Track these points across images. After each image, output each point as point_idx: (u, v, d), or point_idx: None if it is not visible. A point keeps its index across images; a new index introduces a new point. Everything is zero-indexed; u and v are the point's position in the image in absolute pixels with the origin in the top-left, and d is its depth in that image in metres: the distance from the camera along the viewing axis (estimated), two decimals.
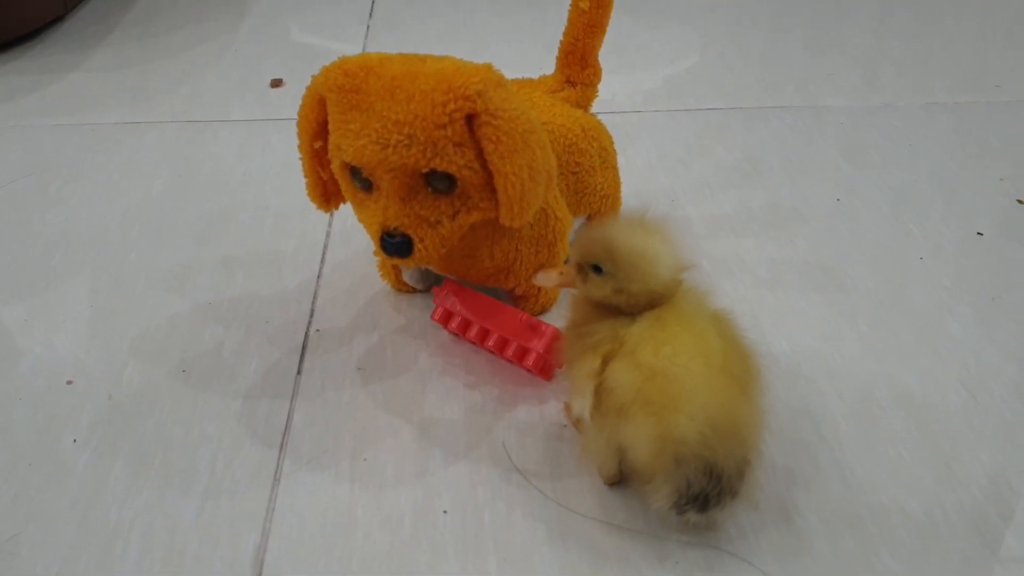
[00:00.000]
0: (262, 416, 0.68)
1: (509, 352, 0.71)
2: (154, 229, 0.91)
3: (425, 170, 0.62)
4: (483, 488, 0.62)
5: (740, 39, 1.35)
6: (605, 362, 0.56)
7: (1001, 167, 1.00)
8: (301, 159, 0.69)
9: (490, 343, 0.71)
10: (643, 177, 0.99)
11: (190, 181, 0.99)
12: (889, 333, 0.76)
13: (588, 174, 0.78)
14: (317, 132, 0.67)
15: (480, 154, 0.62)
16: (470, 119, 0.61)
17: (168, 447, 0.65)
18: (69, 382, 0.71)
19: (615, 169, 0.82)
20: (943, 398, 0.69)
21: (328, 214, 0.92)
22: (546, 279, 0.61)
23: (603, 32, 0.80)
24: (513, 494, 0.61)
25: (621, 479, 0.61)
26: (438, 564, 0.57)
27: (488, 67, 0.63)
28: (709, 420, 0.52)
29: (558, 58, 0.82)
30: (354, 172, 0.65)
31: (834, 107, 1.14)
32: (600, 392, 0.55)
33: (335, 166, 0.66)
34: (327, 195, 0.71)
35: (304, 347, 0.74)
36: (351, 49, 1.32)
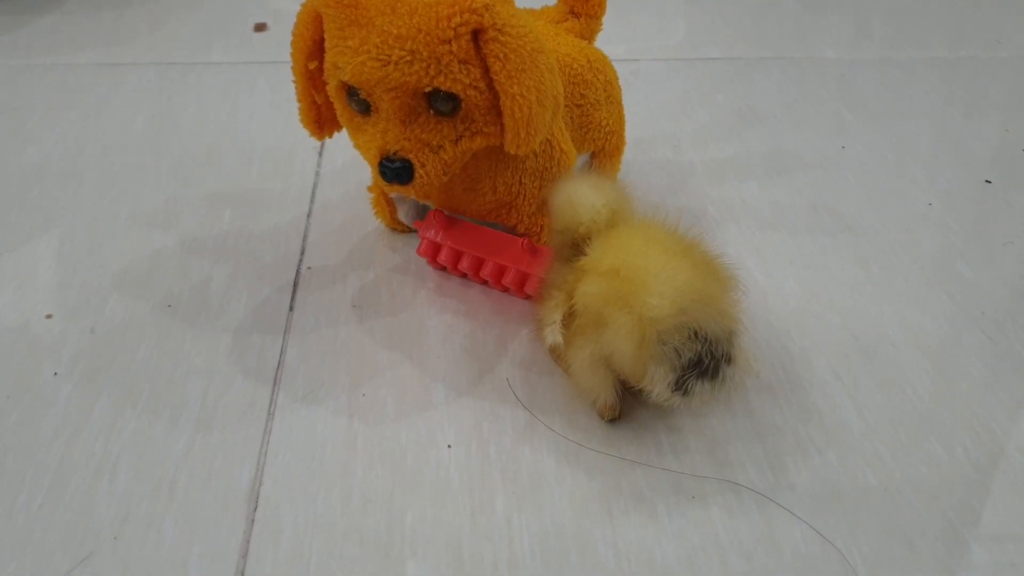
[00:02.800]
0: (254, 351, 0.64)
1: (508, 279, 0.68)
2: (135, 167, 0.87)
3: (428, 89, 0.58)
4: (488, 423, 0.59)
5: None
6: (570, 294, 0.57)
7: (1005, 120, 0.98)
8: (295, 82, 0.65)
9: (485, 272, 0.68)
10: (644, 123, 0.96)
11: (172, 122, 0.95)
12: (900, 275, 0.73)
13: (593, 108, 0.75)
14: (312, 51, 0.63)
15: (486, 73, 0.59)
16: (476, 35, 0.58)
17: (155, 380, 0.62)
18: (48, 316, 0.67)
19: (620, 105, 0.79)
20: (958, 339, 0.67)
21: (317, 153, 0.88)
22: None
23: None
24: (520, 429, 0.59)
25: (621, 412, 0.59)
26: (443, 498, 0.54)
27: None
28: (679, 292, 0.52)
29: None
30: (351, 93, 0.61)
31: (833, 59, 1.11)
32: (572, 319, 0.56)
33: (331, 87, 0.63)
34: (321, 121, 0.67)
35: (296, 284, 0.71)
36: None
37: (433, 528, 0.52)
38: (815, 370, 0.64)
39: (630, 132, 0.84)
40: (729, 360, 0.54)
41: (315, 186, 0.83)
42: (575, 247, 0.59)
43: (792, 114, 0.98)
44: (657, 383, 0.53)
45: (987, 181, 0.86)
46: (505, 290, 0.70)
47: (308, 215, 0.79)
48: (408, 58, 0.57)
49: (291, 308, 0.68)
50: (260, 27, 1.18)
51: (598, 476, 0.55)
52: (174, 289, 0.70)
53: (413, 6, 0.57)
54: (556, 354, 0.62)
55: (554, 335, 0.57)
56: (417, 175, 0.61)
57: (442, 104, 0.60)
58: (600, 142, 0.77)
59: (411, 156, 0.61)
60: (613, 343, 0.54)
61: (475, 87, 0.59)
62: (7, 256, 0.74)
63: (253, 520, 0.53)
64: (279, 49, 1.12)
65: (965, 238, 0.78)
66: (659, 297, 0.52)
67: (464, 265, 0.69)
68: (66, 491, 0.54)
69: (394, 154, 0.61)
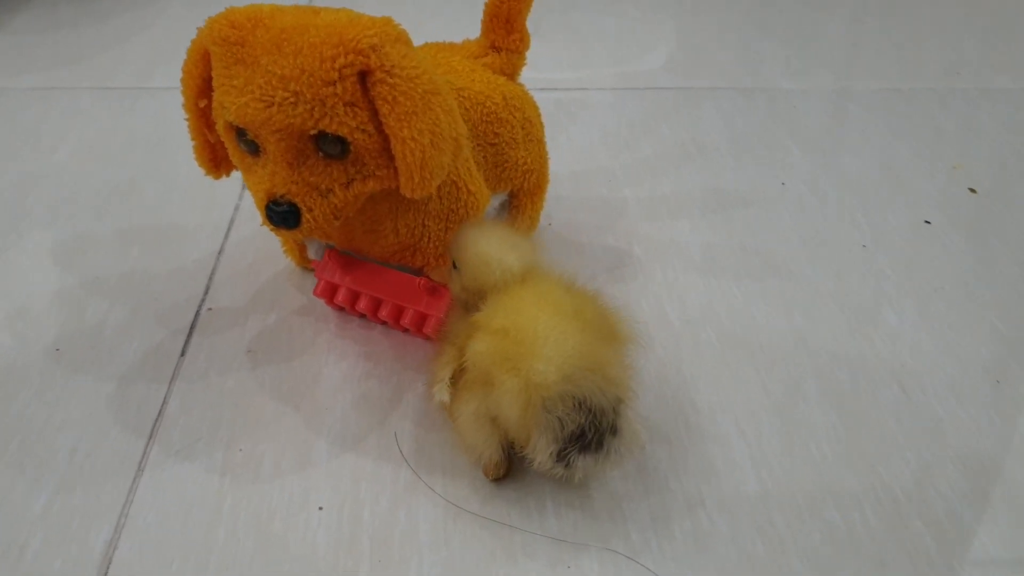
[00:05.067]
0: (135, 401, 0.62)
1: (406, 320, 0.66)
2: (50, 198, 0.84)
3: (313, 132, 0.56)
4: (367, 483, 0.56)
5: (691, 19, 1.29)
6: (462, 349, 0.55)
7: (955, 155, 0.95)
8: (187, 119, 0.63)
9: (384, 313, 0.66)
10: (584, 156, 0.93)
11: (99, 150, 0.93)
12: (825, 324, 0.71)
13: (509, 146, 0.72)
14: (202, 89, 0.61)
15: (375, 116, 0.57)
16: (363, 76, 0.56)
17: (27, 432, 0.59)
18: None
19: (540, 143, 0.77)
20: (874, 394, 0.64)
21: (241, 186, 0.86)
22: (435, 274, 0.65)
23: None
24: (399, 489, 0.56)
25: (506, 472, 0.57)
26: (303, 567, 0.51)
27: (387, 20, 0.57)
28: (566, 358, 0.51)
29: (483, 21, 0.76)
30: (240, 133, 0.59)
31: (787, 90, 1.09)
32: (462, 375, 0.54)
33: (219, 127, 0.60)
34: (216, 159, 0.65)
35: (192, 327, 0.69)
36: None
37: None
38: (719, 425, 0.61)
39: (568, 165, 0.82)
40: (614, 432, 0.52)
41: (232, 221, 0.81)
42: (477, 297, 0.58)
43: (736, 147, 0.96)
44: (539, 452, 0.51)
45: (926, 222, 0.83)
46: (405, 331, 0.67)
47: (219, 252, 0.77)
48: (292, 100, 0.55)
49: (183, 353, 0.66)
50: None
51: (474, 543, 0.53)
52: (66, 331, 0.68)
53: (299, 46, 0.55)
54: (446, 410, 0.60)
55: (441, 393, 0.55)
56: (304, 219, 0.59)
57: (330, 147, 0.57)
58: (518, 181, 0.75)
59: (298, 200, 0.58)
60: (500, 405, 0.52)
61: (363, 130, 0.57)
62: None
63: None
64: None
65: (897, 283, 0.75)
66: (546, 363, 0.50)
67: (362, 306, 0.67)
68: None
69: (281, 197, 0.58)
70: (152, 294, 0.72)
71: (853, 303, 0.73)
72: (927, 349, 0.68)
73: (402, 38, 0.58)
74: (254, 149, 0.59)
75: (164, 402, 0.62)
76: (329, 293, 0.68)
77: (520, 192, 0.77)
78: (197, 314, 0.70)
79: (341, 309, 0.69)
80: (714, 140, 0.97)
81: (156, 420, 0.60)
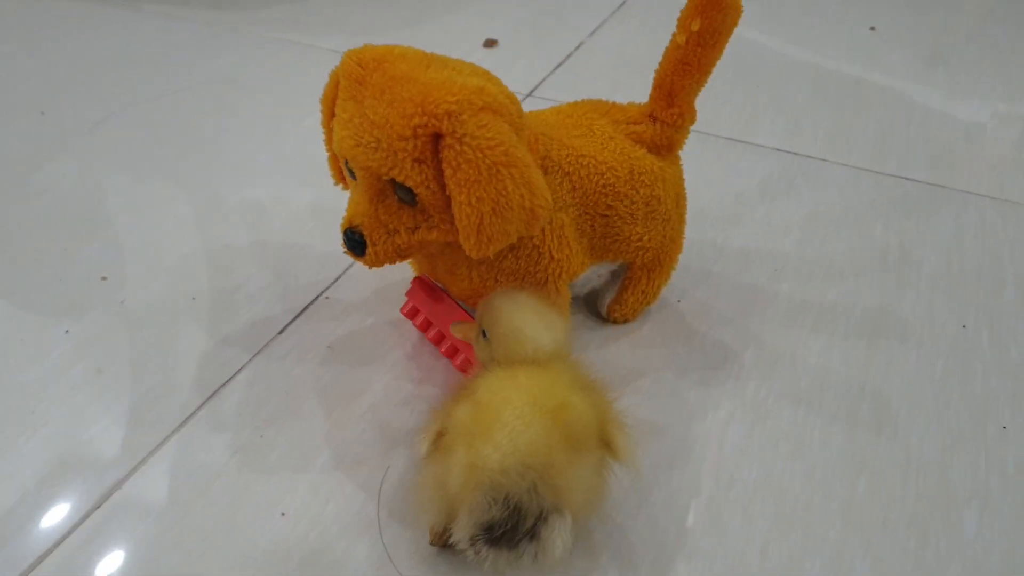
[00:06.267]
0: (219, 362, 0.72)
1: (457, 361, 0.69)
2: (272, 161, 0.98)
3: (386, 178, 0.61)
4: (334, 505, 0.61)
5: None
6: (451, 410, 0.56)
7: None
8: (323, 135, 0.71)
9: (443, 348, 0.70)
10: (770, 235, 0.88)
11: None
12: None
13: (623, 221, 0.71)
14: (334, 112, 0.68)
15: (441, 175, 0.60)
16: (437, 138, 0.59)
17: (128, 363, 0.72)
18: (104, 278, 0.80)
19: (668, 222, 0.73)
20: None
21: None
22: (458, 327, 0.64)
23: (700, 74, 0.71)
24: (355, 522, 0.60)
25: (445, 542, 0.58)
26: (237, 563, 0.58)
27: (479, 89, 0.59)
28: (514, 450, 0.51)
29: (652, 87, 0.75)
30: (346, 160, 0.65)
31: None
32: (446, 432, 0.55)
33: (329, 149, 0.67)
34: (341, 173, 0.72)
35: (304, 310, 0.77)
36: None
37: None
38: None
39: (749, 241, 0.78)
40: (532, 537, 0.52)
41: None
42: (495, 362, 0.59)
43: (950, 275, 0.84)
44: (458, 530, 0.53)
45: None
46: (458, 370, 0.70)
47: None
48: (374, 144, 0.60)
49: (281, 331, 0.75)
50: (490, 43, 1.24)
51: None
52: (210, 285, 0.80)
53: (394, 98, 0.59)
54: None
55: (423, 444, 0.57)
56: (368, 252, 0.64)
57: (402, 193, 0.61)
58: (630, 256, 0.73)
59: (366, 233, 0.63)
60: (449, 471, 0.53)
61: (427, 187, 0.60)
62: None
63: None
64: (508, 66, 1.17)
65: None
66: (494, 448, 0.51)
67: (431, 336, 0.71)
68: None
69: (355, 227, 0.64)
70: (295, 270, 0.82)
71: None
72: None
73: (491, 107, 0.59)
74: (352, 176, 0.65)
75: (239, 371, 0.71)
76: (411, 315, 0.73)
77: (634, 266, 0.75)
78: (315, 300, 0.78)
79: (420, 332, 0.74)
80: (936, 259, 0.86)
81: (223, 385, 0.70)
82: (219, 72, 1.16)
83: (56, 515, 0.60)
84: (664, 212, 0.73)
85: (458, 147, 0.58)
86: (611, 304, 0.77)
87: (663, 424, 0.68)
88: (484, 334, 0.59)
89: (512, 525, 0.51)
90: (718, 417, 0.69)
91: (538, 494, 0.51)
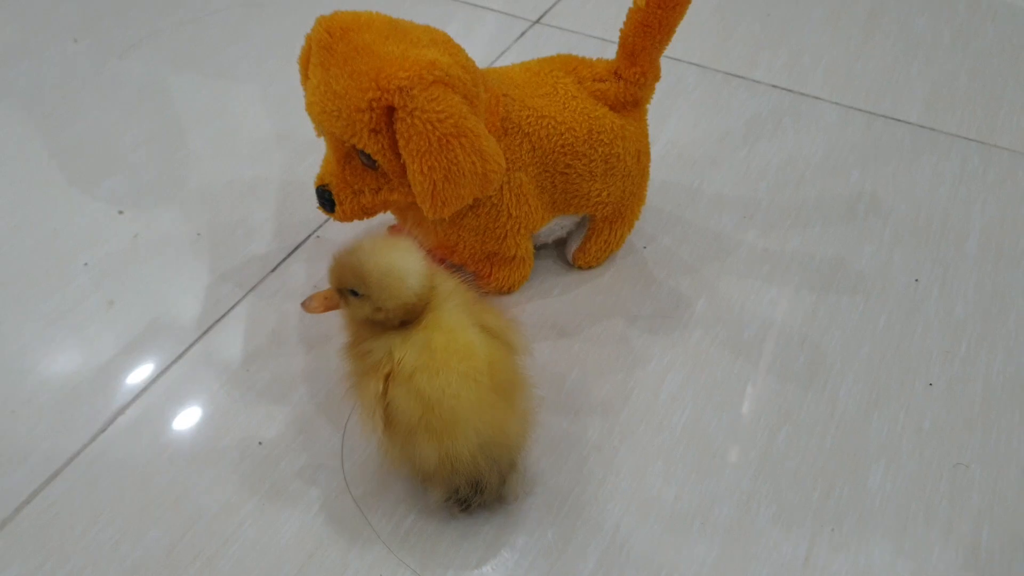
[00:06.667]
0: (216, 297, 0.80)
1: None
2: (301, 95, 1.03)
3: (347, 144, 0.66)
4: (302, 442, 0.70)
5: None
6: (387, 381, 0.60)
7: None
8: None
9: None
10: (750, 180, 0.91)
11: None
12: None
13: (581, 178, 0.75)
14: (308, 74, 0.73)
15: (396, 144, 0.65)
16: (391, 111, 0.64)
17: (128, 293, 0.81)
18: (120, 212, 0.88)
19: (628, 177, 0.77)
20: None
21: None
22: (310, 304, 0.64)
23: (662, 35, 0.73)
24: (317, 461, 0.69)
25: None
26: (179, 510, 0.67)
27: (431, 63, 0.63)
28: (480, 440, 0.59)
29: (618, 46, 0.77)
30: None
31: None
32: (388, 411, 0.60)
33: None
34: None
35: (295, 249, 0.84)
36: None
37: None
38: None
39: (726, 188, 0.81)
40: (497, 499, 0.63)
41: None
42: (380, 311, 0.60)
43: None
44: (435, 495, 0.63)
45: None
46: None
47: None
48: (335, 113, 0.65)
49: (273, 269, 0.82)
50: None
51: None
52: (214, 221, 0.87)
53: (354, 69, 0.64)
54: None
55: (374, 431, 0.60)
56: (336, 210, 0.71)
57: (364, 158, 0.67)
58: (591, 209, 0.78)
59: (334, 192, 0.70)
60: (419, 456, 0.60)
61: (384, 155, 0.66)
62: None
63: None
64: None
65: None
66: (463, 442, 0.58)
67: None
68: None
69: (325, 186, 0.70)
70: (291, 207, 0.88)
71: None
72: None
73: (443, 80, 0.63)
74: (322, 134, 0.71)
75: (233, 307, 0.79)
76: None
77: (596, 218, 0.80)
78: (307, 239, 0.85)
79: None
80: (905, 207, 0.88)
81: (217, 320, 0.78)
82: None
83: (68, 437, 0.70)
84: (624, 168, 0.77)
85: (409, 120, 0.63)
86: (576, 252, 0.82)
87: (606, 370, 0.74)
88: (354, 293, 0.60)
89: (480, 500, 0.61)
90: (661, 364, 0.74)
91: (498, 462, 0.60)
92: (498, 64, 1.06)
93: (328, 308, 0.63)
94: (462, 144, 0.64)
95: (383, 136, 0.65)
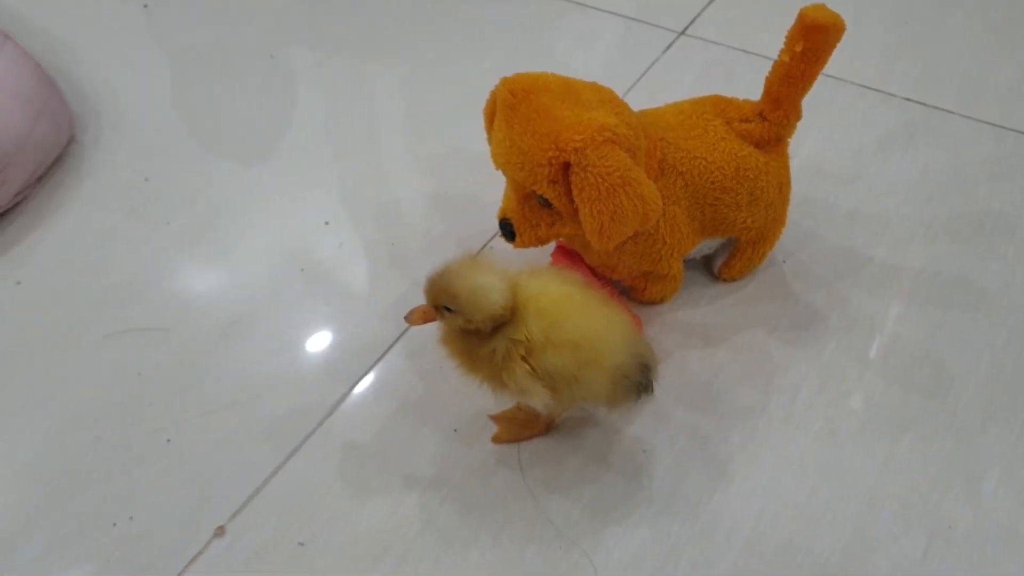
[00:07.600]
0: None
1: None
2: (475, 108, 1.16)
3: (528, 189, 0.79)
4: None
5: None
6: (528, 360, 0.71)
7: None
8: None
9: None
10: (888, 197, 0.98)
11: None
12: None
13: (729, 208, 0.86)
14: (492, 122, 0.85)
15: (570, 192, 0.77)
16: (567, 166, 0.76)
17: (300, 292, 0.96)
18: (327, 223, 1.03)
19: (771, 207, 0.87)
20: None
21: None
22: (411, 318, 0.73)
23: (804, 84, 0.82)
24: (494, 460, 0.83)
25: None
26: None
27: (602, 126, 0.74)
28: (624, 338, 0.71)
29: (763, 91, 0.86)
30: None
31: None
32: (546, 377, 0.71)
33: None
34: None
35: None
36: None
37: None
38: None
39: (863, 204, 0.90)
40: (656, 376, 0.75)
41: None
42: (472, 323, 0.70)
43: None
44: (619, 406, 0.75)
45: None
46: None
47: None
48: (519, 165, 0.78)
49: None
50: None
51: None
52: (401, 232, 1.01)
53: (536, 129, 0.76)
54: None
55: (547, 402, 0.73)
56: (516, 239, 0.83)
57: (542, 200, 0.80)
58: (736, 233, 0.89)
59: (515, 225, 0.83)
60: (594, 391, 0.72)
61: (559, 199, 0.78)
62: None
63: None
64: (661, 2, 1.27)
65: None
66: (615, 353, 0.70)
67: None
68: None
69: (506, 219, 0.83)
70: (465, 219, 1.01)
71: None
72: None
73: (611, 140, 0.75)
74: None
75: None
76: None
77: (741, 240, 0.90)
78: (481, 249, 0.98)
79: None
80: None
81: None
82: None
83: (302, 420, 0.86)
84: (767, 199, 0.87)
85: (583, 174, 0.75)
86: (721, 267, 0.94)
87: (748, 377, 0.85)
88: (448, 309, 0.69)
89: (649, 368, 0.73)
90: (798, 374, 0.85)
91: (640, 343, 0.73)
92: (648, 76, 1.15)
93: (427, 320, 0.72)
94: (626, 191, 0.76)
95: (559, 185, 0.77)
